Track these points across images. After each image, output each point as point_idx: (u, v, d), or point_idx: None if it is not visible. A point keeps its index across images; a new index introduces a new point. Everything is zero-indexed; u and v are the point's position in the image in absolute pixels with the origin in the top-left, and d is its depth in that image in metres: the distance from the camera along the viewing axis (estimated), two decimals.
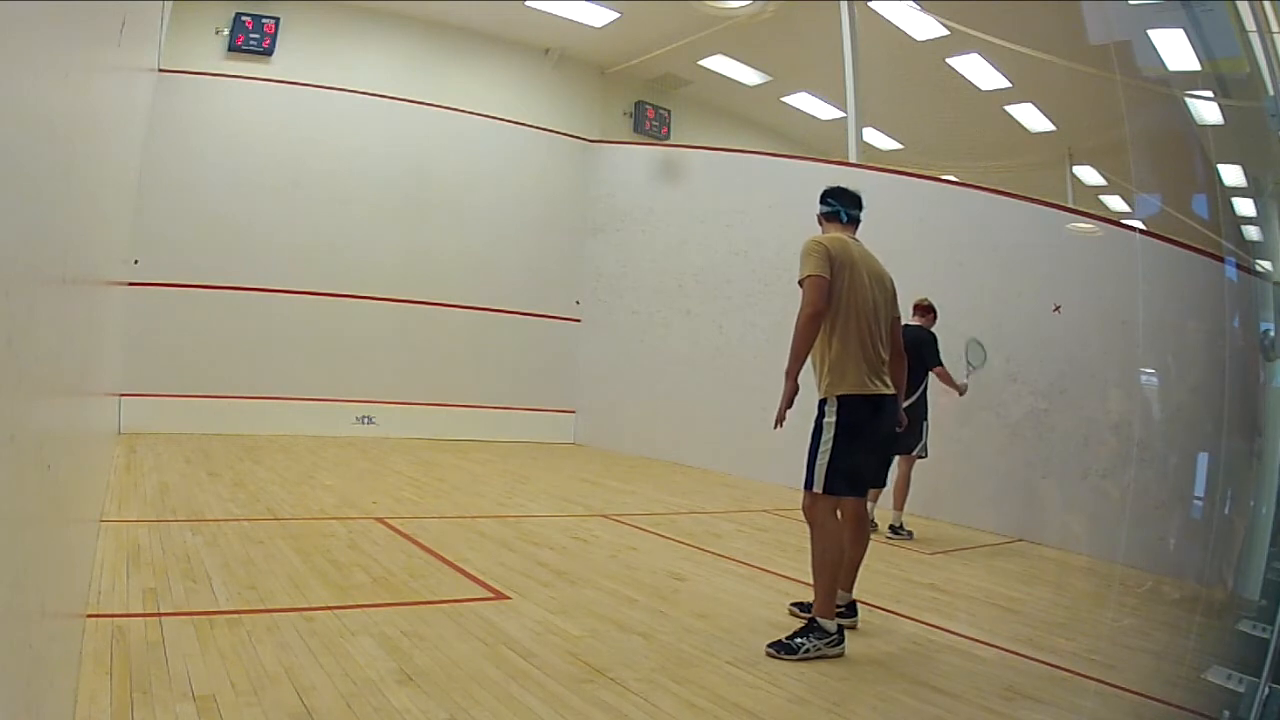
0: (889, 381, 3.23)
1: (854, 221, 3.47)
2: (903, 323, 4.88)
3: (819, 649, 2.92)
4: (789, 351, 3.06)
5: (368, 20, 9.22)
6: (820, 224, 3.49)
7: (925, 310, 5.78)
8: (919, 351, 5.26)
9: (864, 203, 3.50)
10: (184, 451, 6.61)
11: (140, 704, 2.02)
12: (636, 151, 10.45)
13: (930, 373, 5.57)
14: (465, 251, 9.64)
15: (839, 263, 3.14)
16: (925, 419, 5.59)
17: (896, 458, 5.41)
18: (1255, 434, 3.03)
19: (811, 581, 3.12)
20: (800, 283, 3.12)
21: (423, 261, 9.38)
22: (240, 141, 8.47)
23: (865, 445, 3.16)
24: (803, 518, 3.20)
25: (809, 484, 3.12)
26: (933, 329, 5.70)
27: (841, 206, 3.44)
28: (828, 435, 3.10)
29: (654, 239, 9.76)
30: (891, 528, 5.56)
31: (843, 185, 3.52)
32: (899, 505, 5.59)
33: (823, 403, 3.16)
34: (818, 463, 3.10)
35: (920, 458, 5.61)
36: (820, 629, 2.96)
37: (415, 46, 9.52)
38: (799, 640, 2.92)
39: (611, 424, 9.87)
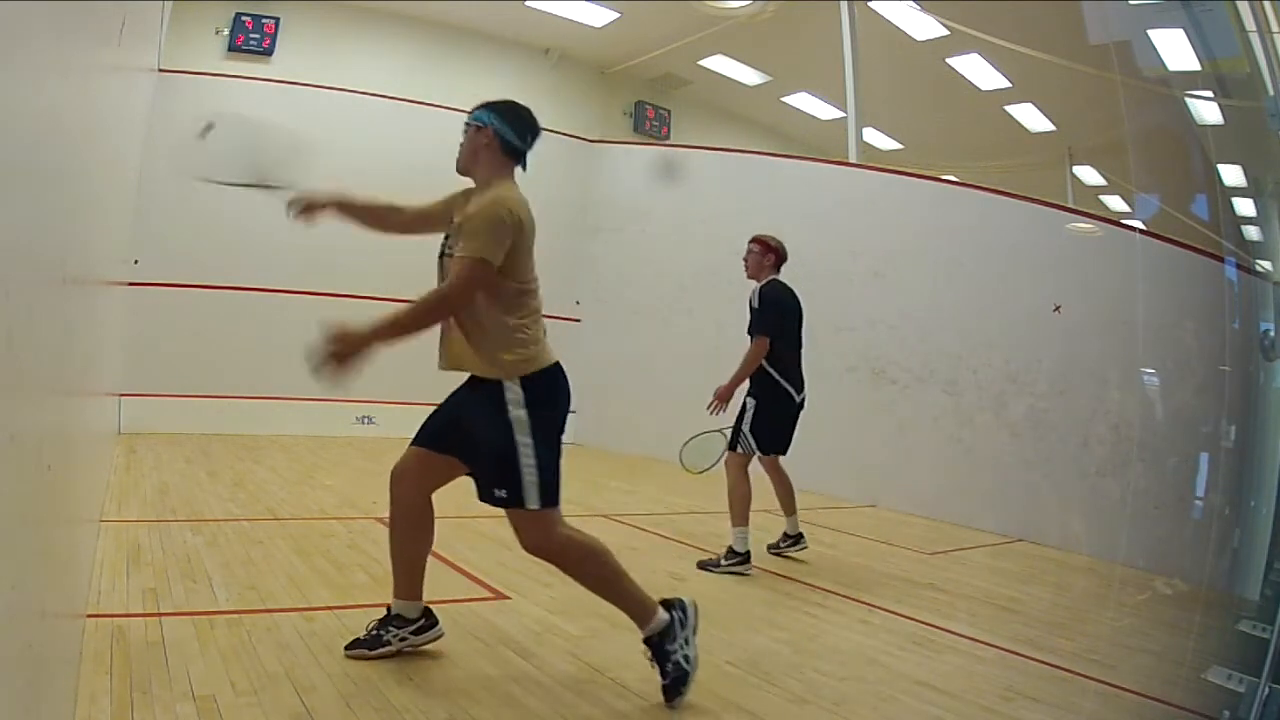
0: None
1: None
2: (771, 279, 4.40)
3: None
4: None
5: (368, 20, 9.22)
6: (485, 155, 2.64)
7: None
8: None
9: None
10: (184, 451, 6.61)
11: (140, 704, 2.02)
12: (636, 151, 10.45)
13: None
14: None
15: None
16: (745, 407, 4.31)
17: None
18: (1255, 434, 3.04)
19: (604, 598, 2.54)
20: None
21: (423, 261, 9.33)
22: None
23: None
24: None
25: (526, 501, 2.39)
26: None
27: (529, 147, 2.67)
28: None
29: (654, 239, 9.75)
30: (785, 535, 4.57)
31: (519, 104, 2.67)
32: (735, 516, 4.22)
33: (503, 387, 2.42)
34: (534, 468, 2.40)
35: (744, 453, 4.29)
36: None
37: (415, 46, 9.52)
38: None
39: (612, 424, 9.86)
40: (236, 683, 2.22)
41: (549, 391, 2.47)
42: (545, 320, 2.71)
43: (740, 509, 4.14)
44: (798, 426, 4.40)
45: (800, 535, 4.53)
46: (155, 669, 2.25)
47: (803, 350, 4.46)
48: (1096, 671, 3.03)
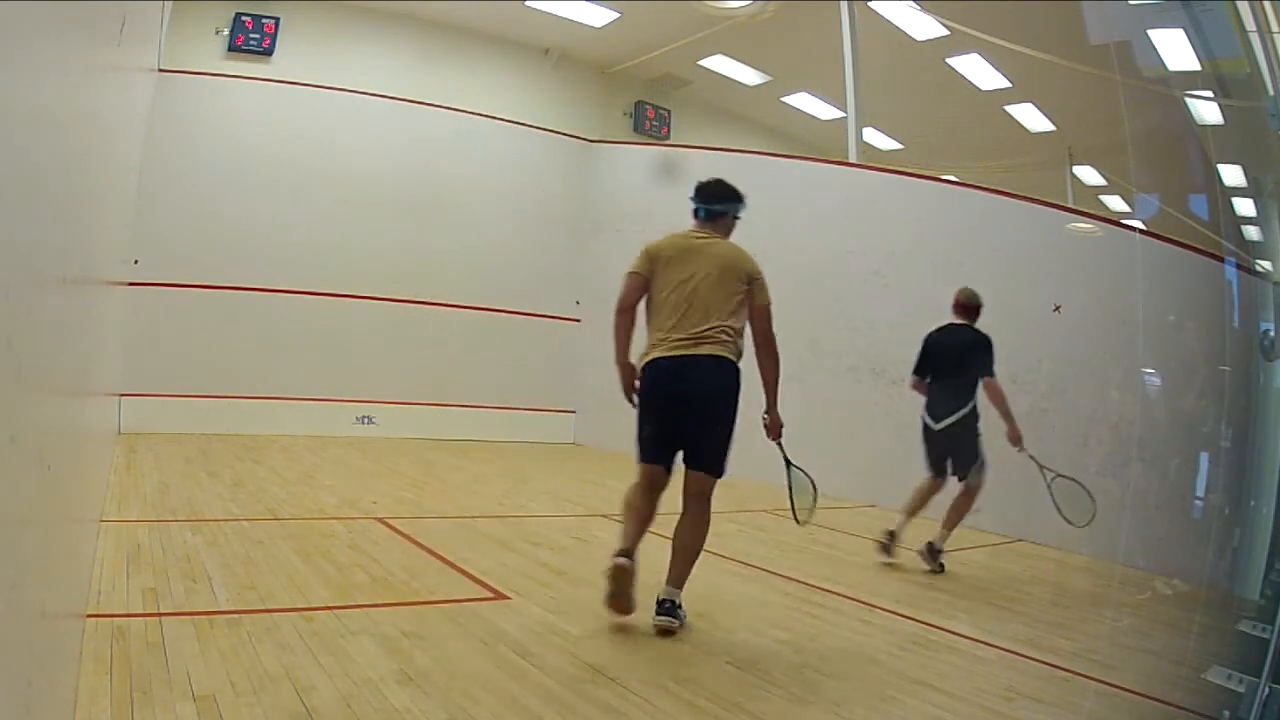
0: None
1: (710, 216, 3.53)
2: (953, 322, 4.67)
3: None
4: None
5: (368, 20, 9.22)
6: None
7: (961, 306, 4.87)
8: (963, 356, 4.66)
9: (724, 193, 3.55)
10: (184, 451, 6.61)
11: (140, 704, 2.02)
12: (636, 151, 10.44)
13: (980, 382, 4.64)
14: (465, 251, 9.64)
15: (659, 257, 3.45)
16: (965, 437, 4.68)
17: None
18: (1255, 434, 3.03)
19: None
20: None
21: (423, 261, 9.37)
22: (240, 141, 8.46)
23: (646, 413, 3.26)
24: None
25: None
26: (975, 326, 4.86)
27: (698, 202, 3.53)
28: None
29: (654, 239, 9.74)
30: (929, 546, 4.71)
31: (715, 179, 3.58)
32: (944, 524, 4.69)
33: None
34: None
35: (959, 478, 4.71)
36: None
37: (415, 46, 9.52)
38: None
39: (611, 424, 9.83)
40: (236, 683, 2.22)
41: (642, 383, 3.30)
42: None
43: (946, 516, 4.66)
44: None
45: (932, 546, 4.62)
46: (155, 669, 2.25)
47: (956, 380, 4.67)
48: (1096, 671, 3.03)
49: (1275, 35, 2.66)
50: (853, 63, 8.43)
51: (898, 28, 9.03)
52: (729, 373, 3.16)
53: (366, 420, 8.86)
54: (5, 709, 1.00)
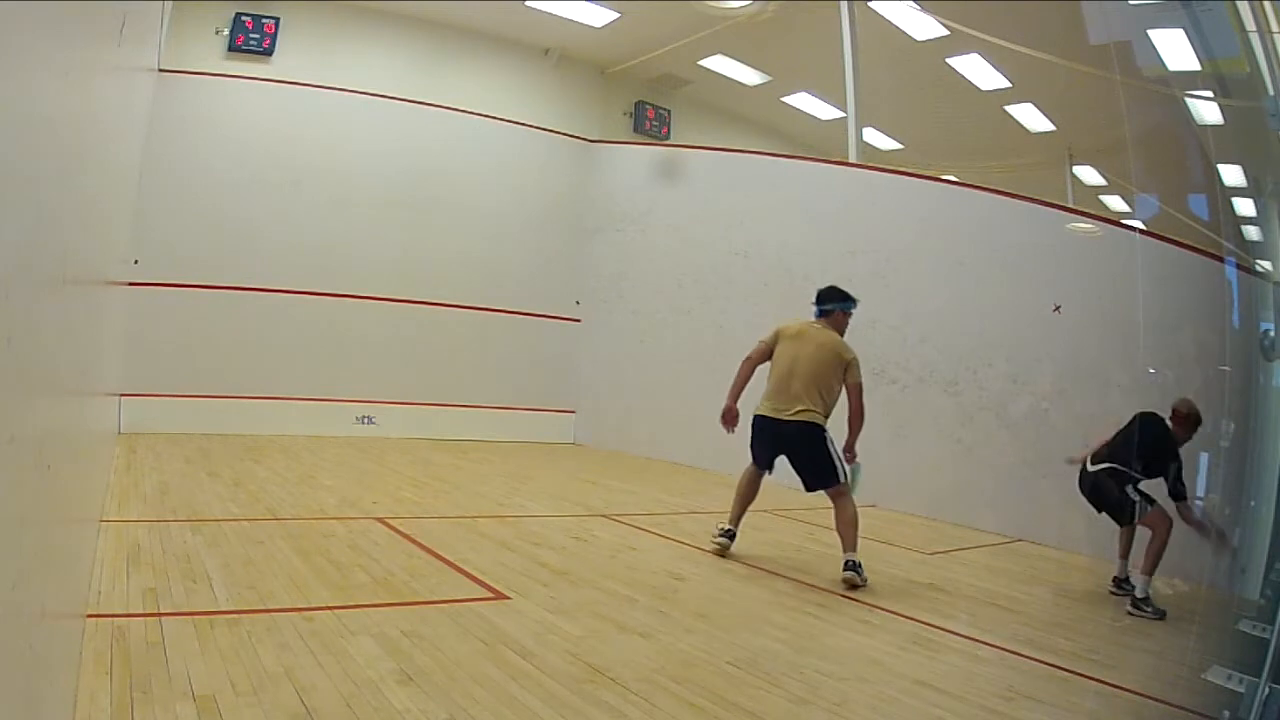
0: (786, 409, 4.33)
1: (822, 314, 4.53)
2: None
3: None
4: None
5: (368, 20, 9.22)
6: None
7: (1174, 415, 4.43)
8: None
9: (832, 295, 4.54)
10: (184, 451, 6.61)
11: (140, 704, 2.02)
12: (636, 151, 10.45)
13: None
14: (465, 251, 9.64)
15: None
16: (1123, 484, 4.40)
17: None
18: (1255, 434, 3.04)
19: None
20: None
21: (423, 261, 9.37)
22: (240, 141, 8.46)
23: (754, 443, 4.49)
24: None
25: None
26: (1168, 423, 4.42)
27: (816, 304, 4.58)
28: None
29: (654, 239, 9.76)
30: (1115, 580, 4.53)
31: (830, 286, 4.61)
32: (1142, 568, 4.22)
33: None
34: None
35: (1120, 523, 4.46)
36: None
37: (415, 46, 9.52)
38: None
39: (611, 424, 9.87)
40: (236, 683, 2.22)
41: (753, 425, 4.49)
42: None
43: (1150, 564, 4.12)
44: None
45: (1133, 593, 4.12)
46: (155, 669, 2.25)
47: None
48: (1096, 671, 3.03)
49: (1275, 35, 2.66)
50: (853, 63, 8.43)
51: (898, 28, 9.03)
52: (812, 428, 4.27)
53: (366, 420, 8.86)
54: (5, 709, 1.00)
